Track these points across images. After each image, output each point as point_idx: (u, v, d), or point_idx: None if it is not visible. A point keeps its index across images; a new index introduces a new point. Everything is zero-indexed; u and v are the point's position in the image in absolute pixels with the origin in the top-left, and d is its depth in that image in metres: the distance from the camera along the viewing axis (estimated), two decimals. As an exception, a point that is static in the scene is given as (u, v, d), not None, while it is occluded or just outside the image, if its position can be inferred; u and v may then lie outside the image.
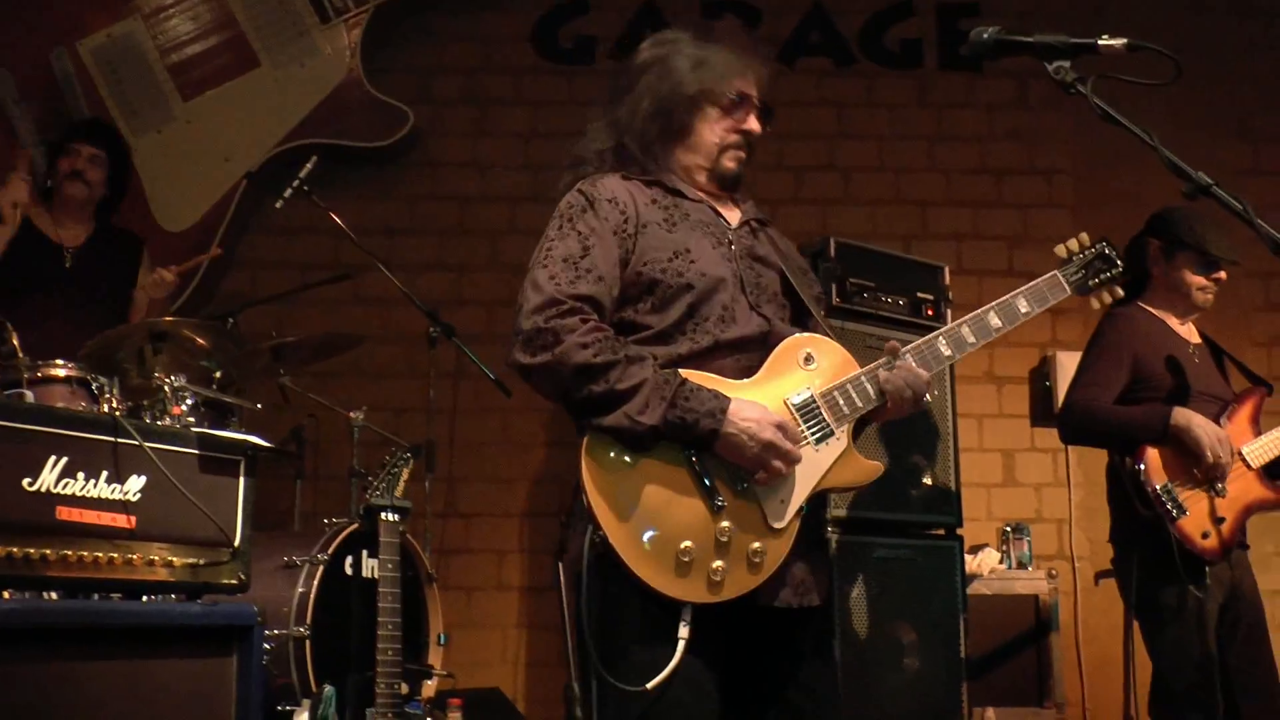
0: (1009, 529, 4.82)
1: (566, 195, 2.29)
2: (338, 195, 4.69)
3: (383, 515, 3.44)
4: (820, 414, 2.18)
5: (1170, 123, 4.61)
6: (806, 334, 2.25)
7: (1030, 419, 5.18)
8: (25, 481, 2.39)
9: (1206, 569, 3.27)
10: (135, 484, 2.56)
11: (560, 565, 2.19)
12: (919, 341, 2.30)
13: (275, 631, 3.55)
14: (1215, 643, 3.26)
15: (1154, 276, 3.59)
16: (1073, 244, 2.50)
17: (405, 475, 3.57)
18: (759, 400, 2.13)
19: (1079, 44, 1.96)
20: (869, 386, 2.22)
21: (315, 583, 3.64)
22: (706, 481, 2.08)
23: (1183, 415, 3.31)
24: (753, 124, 2.35)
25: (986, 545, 4.74)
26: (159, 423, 3.00)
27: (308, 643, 3.57)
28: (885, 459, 3.53)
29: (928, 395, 2.26)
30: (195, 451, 2.68)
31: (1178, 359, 3.48)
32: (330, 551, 3.71)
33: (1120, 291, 2.53)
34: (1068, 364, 4.39)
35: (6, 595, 2.54)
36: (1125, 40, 1.92)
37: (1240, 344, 4.43)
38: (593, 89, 5.14)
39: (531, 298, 2.14)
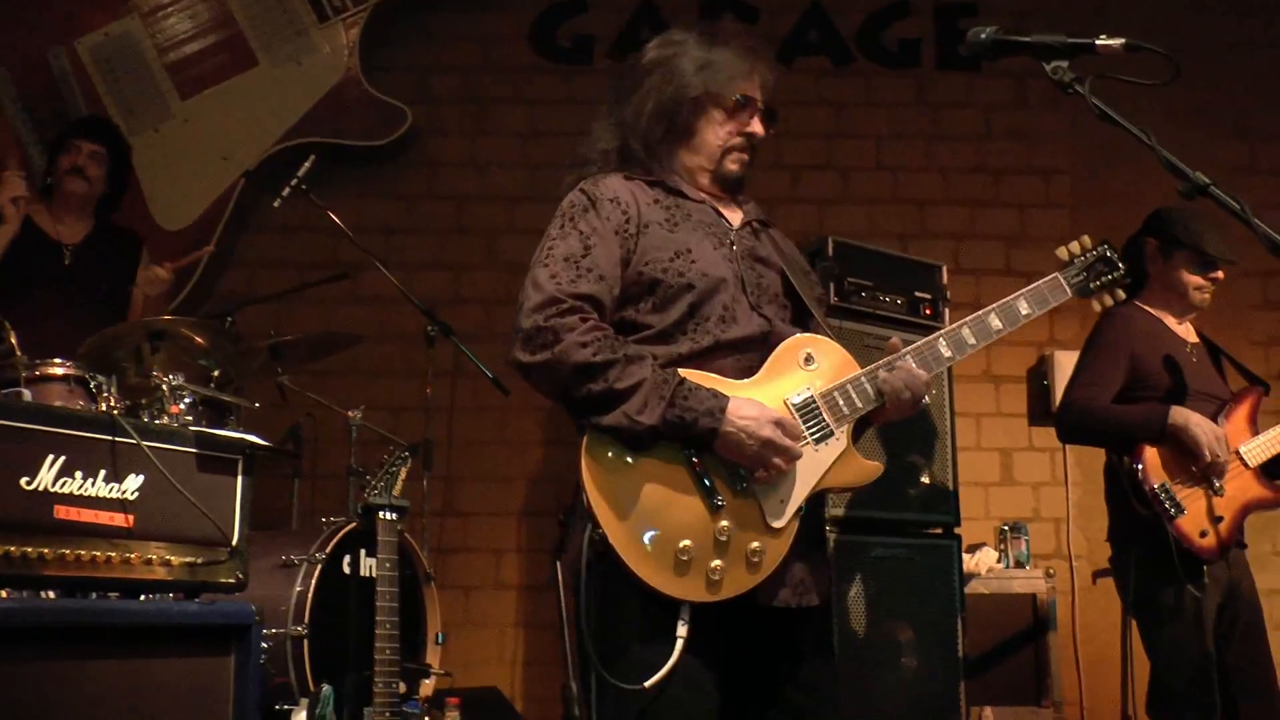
0: (1007, 528, 4.82)
1: (569, 194, 2.30)
2: (336, 194, 4.68)
3: (380, 514, 3.45)
4: (820, 414, 2.19)
5: (1168, 122, 4.63)
6: (807, 334, 2.25)
7: (1028, 418, 5.18)
8: (23, 480, 2.38)
9: (1204, 568, 3.28)
10: (133, 483, 2.55)
11: (559, 564, 2.20)
12: (920, 343, 2.30)
13: (273, 630, 3.55)
14: (1213, 642, 3.27)
15: (1151, 276, 3.59)
16: (1074, 246, 2.50)
17: (403, 474, 3.57)
18: (759, 400, 2.13)
19: (1077, 44, 1.96)
20: (869, 387, 2.22)
21: (313, 582, 3.64)
22: (706, 481, 2.09)
23: (1180, 414, 3.31)
24: (756, 127, 2.36)
25: (984, 544, 4.74)
26: (157, 422, 2.99)
27: (305, 642, 3.57)
28: (883, 458, 3.53)
29: (926, 397, 2.26)
30: (193, 450, 2.68)
31: (1175, 358, 3.48)
32: (328, 550, 3.71)
33: (1122, 295, 2.53)
34: (1065, 363, 4.40)
35: (4, 594, 2.53)
36: (1123, 40, 1.92)
37: (1238, 343, 4.43)
38: (591, 88, 5.14)
39: (532, 296, 2.14)
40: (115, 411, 2.68)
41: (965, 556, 4.20)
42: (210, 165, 5.05)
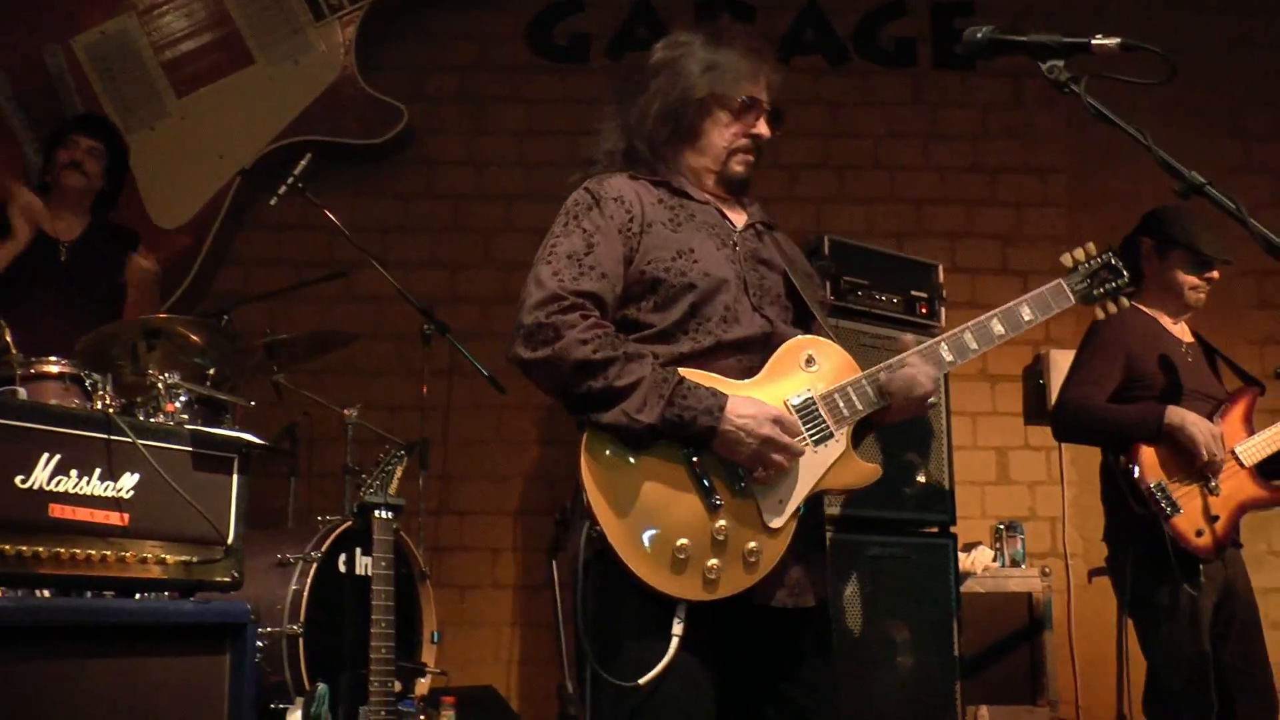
0: (1003, 527, 4.82)
1: (573, 193, 2.30)
2: (332, 192, 4.68)
3: (376, 513, 3.44)
4: (820, 416, 2.19)
5: (1163, 121, 4.64)
6: (809, 336, 2.26)
7: (1024, 417, 5.18)
8: (18, 479, 2.38)
9: (1200, 567, 3.28)
10: (128, 481, 2.55)
11: (555, 562, 2.20)
12: (922, 346, 2.30)
13: (268, 629, 3.55)
14: (1209, 641, 3.27)
15: (1147, 276, 3.59)
16: (1079, 253, 2.48)
17: (399, 473, 3.56)
18: (759, 399, 2.13)
19: (1073, 43, 1.96)
20: (869, 389, 2.23)
21: (309, 580, 3.64)
22: (704, 480, 2.09)
23: (1176, 413, 3.31)
24: (762, 128, 2.36)
25: (980, 543, 4.74)
26: (152, 420, 2.98)
27: (301, 640, 3.57)
28: (879, 457, 3.54)
29: (931, 398, 2.26)
30: (189, 449, 2.67)
31: (1171, 358, 3.49)
32: (324, 549, 3.71)
33: (1126, 303, 2.51)
34: (1061, 362, 4.40)
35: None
36: (1119, 40, 1.92)
37: (1233, 343, 4.44)
38: (588, 87, 5.15)
39: (534, 293, 2.15)
40: (111, 410, 2.68)
41: (961, 555, 4.20)
42: (206, 163, 5.05)
